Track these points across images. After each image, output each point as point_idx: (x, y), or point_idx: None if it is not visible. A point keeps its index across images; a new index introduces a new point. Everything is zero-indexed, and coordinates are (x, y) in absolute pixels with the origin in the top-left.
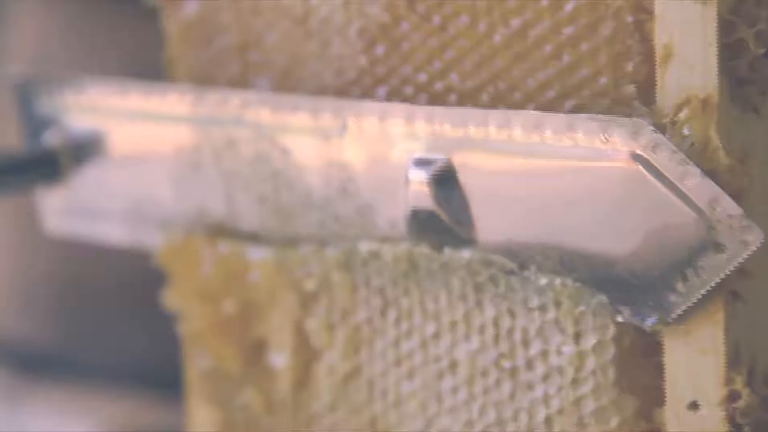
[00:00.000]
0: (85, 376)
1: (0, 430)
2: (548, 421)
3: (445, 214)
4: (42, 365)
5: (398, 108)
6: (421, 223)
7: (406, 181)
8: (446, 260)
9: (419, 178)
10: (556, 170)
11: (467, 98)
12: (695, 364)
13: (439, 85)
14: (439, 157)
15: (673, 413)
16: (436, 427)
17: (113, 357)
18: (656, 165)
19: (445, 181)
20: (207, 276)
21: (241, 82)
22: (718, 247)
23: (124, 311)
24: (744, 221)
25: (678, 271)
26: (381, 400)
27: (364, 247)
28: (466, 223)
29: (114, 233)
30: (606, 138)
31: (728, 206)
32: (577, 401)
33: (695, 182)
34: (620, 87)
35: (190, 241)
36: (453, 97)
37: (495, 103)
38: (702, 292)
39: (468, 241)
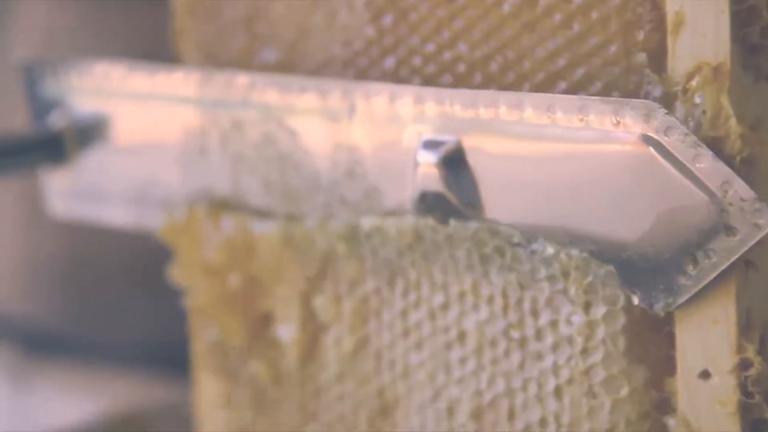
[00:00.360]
0: (92, 354)
1: (6, 409)
2: (558, 390)
3: (453, 196)
4: (48, 344)
5: (407, 89)
6: (429, 206)
7: (415, 163)
8: (451, 232)
9: (428, 159)
10: (567, 153)
11: (476, 68)
12: (707, 333)
13: (447, 55)
14: (448, 138)
15: (684, 382)
16: (444, 398)
17: (119, 335)
18: (668, 147)
19: (454, 163)
20: (212, 250)
21: (247, 55)
22: (730, 231)
23: (130, 290)
24: (756, 204)
25: (688, 254)
26: (389, 371)
27: (367, 222)
28: (475, 206)
29: (118, 216)
30: (618, 120)
31: (740, 189)
32: (587, 371)
33: (707, 165)
34: (631, 55)
35: (194, 216)
36: (461, 67)
37: (504, 72)
38: (712, 275)
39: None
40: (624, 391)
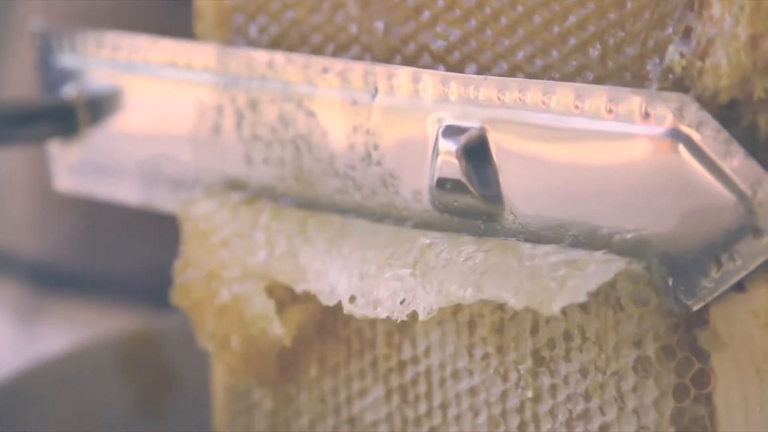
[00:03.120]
0: (101, 289)
1: (15, 344)
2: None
3: (472, 185)
4: (57, 279)
5: (431, 73)
6: (447, 195)
7: (435, 150)
8: None
9: (448, 147)
10: (592, 144)
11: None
12: None
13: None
14: (470, 125)
15: None
16: None
17: (129, 270)
18: (699, 143)
19: (476, 151)
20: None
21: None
22: (758, 232)
23: (139, 223)
24: None
25: (712, 256)
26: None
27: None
28: (495, 197)
29: (127, 194)
30: (648, 112)
31: None
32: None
33: (739, 163)
34: None
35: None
36: (489, 33)
37: (531, 37)
38: (736, 279)
39: (495, 214)
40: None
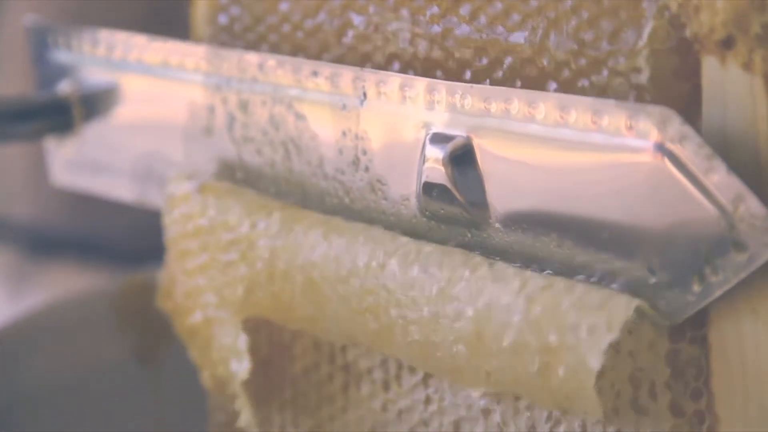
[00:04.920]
0: (93, 255)
1: (7, 311)
2: None
3: (458, 192)
4: (50, 245)
5: (420, 81)
6: (434, 202)
7: (422, 156)
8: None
9: (436, 154)
10: (577, 156)
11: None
12: None
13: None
14: (457, 133)
15: None
16: None
17: (122, 236)
18: (681, 157)
19: (462, 159)
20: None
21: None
22: (739, 247)
23: None
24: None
25: (696, 269)
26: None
27: None
28: (480, 205)
29: (121, 190)
30: (632, 125)
31: (753, 205)
32: None
33: (720, 178)
34: None
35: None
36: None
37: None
38: (718, 293)
39: (481, 223)
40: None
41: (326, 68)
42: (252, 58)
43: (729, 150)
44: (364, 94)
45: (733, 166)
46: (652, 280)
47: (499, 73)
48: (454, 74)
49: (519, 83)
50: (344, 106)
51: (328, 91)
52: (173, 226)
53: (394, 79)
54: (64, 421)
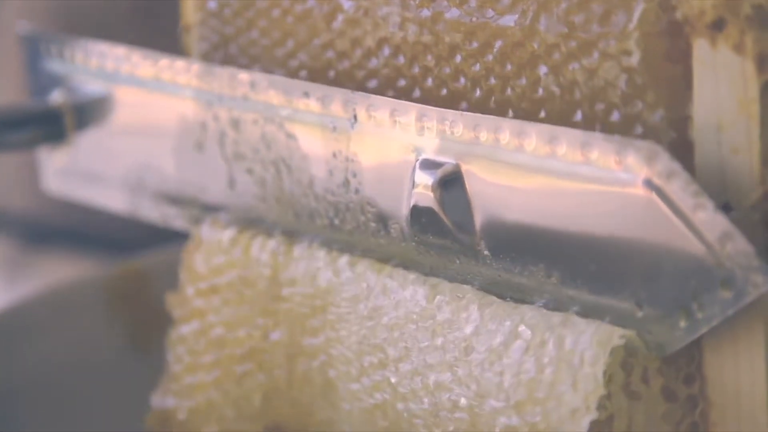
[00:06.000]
0: (88, 246)
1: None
2: None
3: (447, 219)
4: (45, 236)
5: (410, 106)
6: (423, 226)
7: (412, 181)
8: None
9: (425, 180)
10: (566, 186)
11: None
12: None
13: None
14: (447, 161)
15: None
16: None
17: (117, 227)
18: (669, 193)
19: (451, 186)
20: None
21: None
22: (726, 285)
23: None
24: (755, 261)
25: (682, 305)
26: None
27: None
28: (469, 232)
29: (112, 201)
30: (620, 160)
31: (739, 244)
32: None
33: (707, 216)
34: None
35: None
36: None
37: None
38: (704, 329)
39: (469, 250)
40: None
41: (317, 89)
42: (244, 76)
43: (721, 133)
44: (355, 117)
45: (725, 149)
46: (639, 314)
47: (489, 57)
48: (444, 59)
49: (509, 66)
50: (335, 128)
51: (318, 112)
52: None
53: (384, 103)
54: (58, 406)
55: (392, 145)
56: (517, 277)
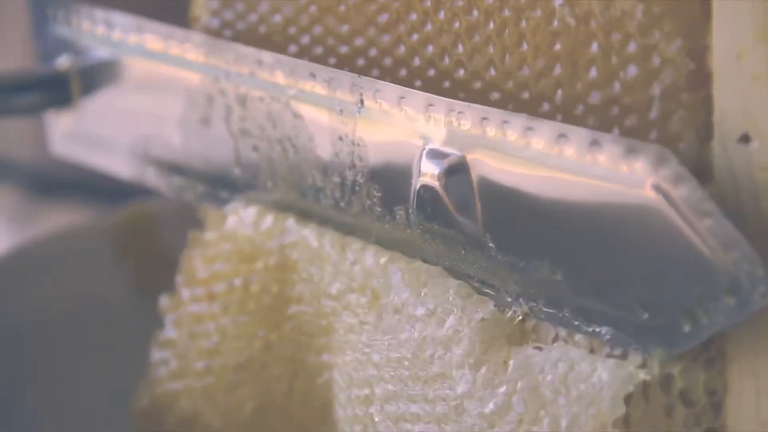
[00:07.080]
0: (96, 199)
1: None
2: None
3: (453, 209)
4: (52, 187)
5: (418, 94)
6: (428, 215)
7: (417, 171)
8: None
9: (431, 169)
10: (572, 186)
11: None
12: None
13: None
14: (453, 151)
15: (721, 147)
16: None
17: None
18: (676, 199)
19: (457, 176)
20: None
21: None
22: (731, 293)
23: None
24: (760, 270)
25: (688, 311)
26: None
27: None
28: (474, 223)
29: (118, 167)
30: (628, 162)
31: (745, 251)
32: None
33: (714, 222)
34: None
35: None
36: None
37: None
38: (708, 335)
39: (474, 241)
40: None
41: (324, 72)
42: (250, 53)
43: (740, 60)
44: (362, 102)
45: (745, 77)
46: (644, 316)
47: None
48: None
49: None
50: (341, 111)
51: (325, 95)
52: None
53: (392, 90)
54: (61, 351)
55: (399, 133)
56: (520, 272)
